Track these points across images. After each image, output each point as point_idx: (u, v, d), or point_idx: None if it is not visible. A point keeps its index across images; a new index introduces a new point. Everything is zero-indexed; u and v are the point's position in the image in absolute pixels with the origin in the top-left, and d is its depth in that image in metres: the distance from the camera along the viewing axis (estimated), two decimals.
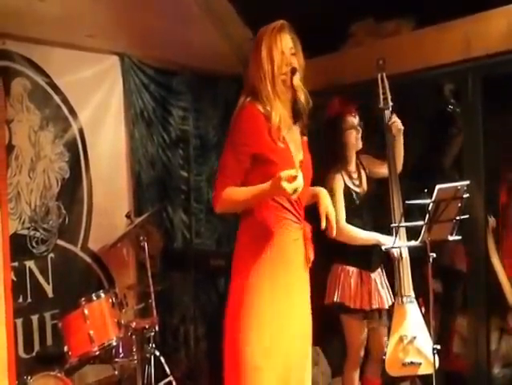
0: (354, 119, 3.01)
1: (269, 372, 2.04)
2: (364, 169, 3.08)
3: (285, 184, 1.87)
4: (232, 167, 2.08)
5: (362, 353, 3.06)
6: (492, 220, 3.24)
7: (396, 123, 2.92)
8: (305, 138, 2.23)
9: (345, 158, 3.02)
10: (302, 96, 2.12)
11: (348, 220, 2.94)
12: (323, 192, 2.21)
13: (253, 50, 2.14)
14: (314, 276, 3.26)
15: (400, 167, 2.99)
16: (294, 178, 1.88)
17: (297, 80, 2.09)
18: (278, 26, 2.13)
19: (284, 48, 2.09)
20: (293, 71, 2.08)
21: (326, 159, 3.07)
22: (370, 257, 2.97)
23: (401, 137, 2.94)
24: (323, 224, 2.12)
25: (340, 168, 3.00)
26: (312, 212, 2.22)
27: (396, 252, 2.85)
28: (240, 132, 2.09)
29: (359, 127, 3.00)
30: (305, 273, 2.21)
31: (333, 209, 2.18)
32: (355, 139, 3.00)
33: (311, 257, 2.19)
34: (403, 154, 2.98)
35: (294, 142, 2.16)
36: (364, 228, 2.95)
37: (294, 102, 2.12)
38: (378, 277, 2.99)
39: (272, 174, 1.96)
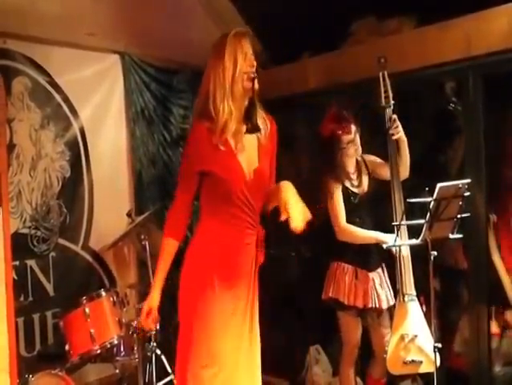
0: (349, 135, 2.95)
1: (214, 370, 2.11)
2: (367, 169, 3.08)
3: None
4: (184, 181, 2.24)
5: (356, 351, 3.06)
6: (493, 218, 3.23)
7: (398, 130, 2.88)
8: (264, 143, 2.23)
9: (344, 168, 3.00)
10: (258, 101, 2.17)
11: (348, 220, 2.94)
12: (283, 184, 2.19)
13: (213, 53, 2.19)
14: (317, 273, 3.28)
15: (407, 173, 2.97)
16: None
17: (256, 84, 2.15)
18: (242, 31, 2.20)
19: (247, 50, 2.16)
20: (256, 72, 2.14)
21: (323, 168, 3.06)
22: (369, 257, 2.96)
23: (405, 145, 2.92)
24: (283, 216, 2.11)
25: (338, 175, 2.98)
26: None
27: (395, 250, 2.85)
28: (185, 155, 2.30)
29: (356, 139, 2.97)
30: (253, 275, 2.27)
31: (296, 200, 2.12)
32: (354, 151, 2.99)
33: (261, 260, 2.28)
34: (409, 160, 2.95)
35: (248, 148, 2.19)
36: (363, 228, 2.95)
37: (248, 106, 2.16)
38: (377, 276, 2.98)
39: (220, 186, 2.13)
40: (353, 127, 2.96)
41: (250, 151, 2.20)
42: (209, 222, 2.23)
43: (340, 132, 2.95)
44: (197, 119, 2.21)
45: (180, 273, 2.28)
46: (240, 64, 2.12)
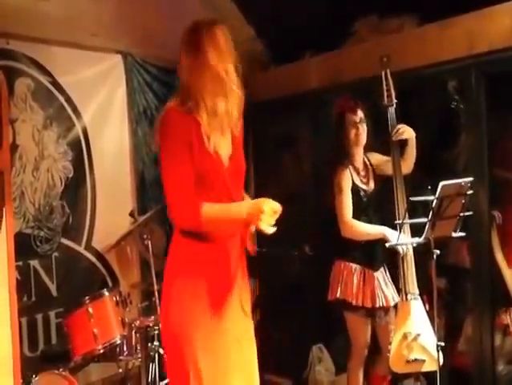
0: (354, 117, 3.01)
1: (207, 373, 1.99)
2: (372, 167, 3.09)
3: (265, 219, 1.79)
4: (187, 177, 1.99)
5: (366, 351, 3.06)
6: (498, 216, 3.22)
7: (402, 133, 2.92)
8: (238, 134, 2.13)
9: (349, 154, 3.03)
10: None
11: (356, 218, 2.95)
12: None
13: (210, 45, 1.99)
14: (320, 272, 3.27)
15: (410, 168, 3.00)
16: (275, 213, 1.80)
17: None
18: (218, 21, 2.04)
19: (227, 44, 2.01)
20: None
21: (333, 154, 3.10)
22: (373, 256, 2.97)
23: (413, 142, 2.96)
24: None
25: (347, 164, 3.02)
26: None
27: (401, 248, 2.84)
28: (175, 141, 2.03)
29: (360, 125, 3.01)
30: (242, 268, 2.15)
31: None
32: (354, 136, 3.01)
33: (252, 250, 2.15)
34: (414, 156, 2.99)
35: (226, 141, 2.07)
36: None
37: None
38: (381, 275, 3.00)
39: (199, 178, 1.97)
40: (360, 112, 3.01)
41: (227, 143, 2.10)
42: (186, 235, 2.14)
43: (347, 110, 3.01)
44: (180, 110, 2.05)
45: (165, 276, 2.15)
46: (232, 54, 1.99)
